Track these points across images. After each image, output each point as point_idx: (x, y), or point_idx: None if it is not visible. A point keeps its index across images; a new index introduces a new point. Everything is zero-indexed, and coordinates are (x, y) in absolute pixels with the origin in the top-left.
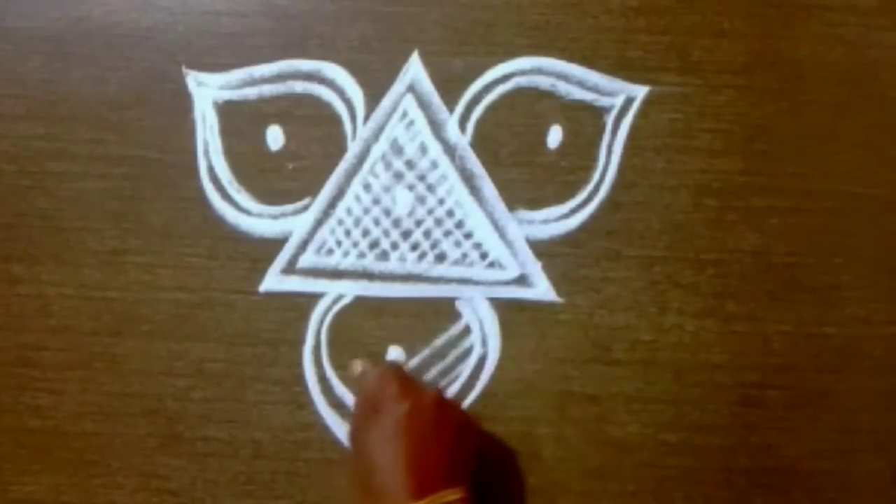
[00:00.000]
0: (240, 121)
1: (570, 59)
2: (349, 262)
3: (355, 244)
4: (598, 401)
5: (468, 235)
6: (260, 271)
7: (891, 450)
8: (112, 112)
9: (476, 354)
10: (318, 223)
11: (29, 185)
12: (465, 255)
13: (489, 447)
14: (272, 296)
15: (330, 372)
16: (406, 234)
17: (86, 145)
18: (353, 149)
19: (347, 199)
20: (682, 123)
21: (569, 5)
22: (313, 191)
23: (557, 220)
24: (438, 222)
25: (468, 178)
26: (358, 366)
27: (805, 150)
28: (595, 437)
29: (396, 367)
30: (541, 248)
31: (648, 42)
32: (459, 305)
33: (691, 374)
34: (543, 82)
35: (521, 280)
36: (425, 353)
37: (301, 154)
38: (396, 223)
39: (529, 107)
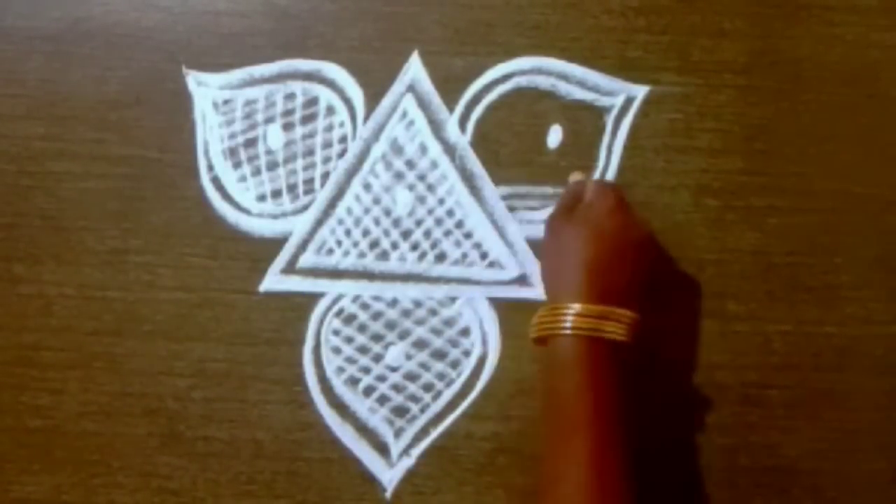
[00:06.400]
0: (240, 121)
1: (570, 59)
2: (349, 262)
3: (355, 244)
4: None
5: (468, 235)
6: (260, 271)
7: (891, 450)
8: (112, 112)
9: (476, 354)
10: (319, 223)
11: (29, 184)
12: (465, 255)
13: None
14: (272, 296)
15: (330, 372)
16: (406, 234)
17: (86, 145)
18: (353, 149)
19: (347, 199)
20: (682, 123)
21: (569, 5)
22: (313, 191)
23: None
24: (438, 222)
25: (468, 178)
26: (578, 175)
27: (805, 150)
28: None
29: (618, 189)
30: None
31: (648, 42)
32: (459, 305)
33: (691, 374)
34: (543, 82)
35: (521, 280)
36: (425, 352)
37: (301, 154)
38: (396, 223)
39: (529, 107)
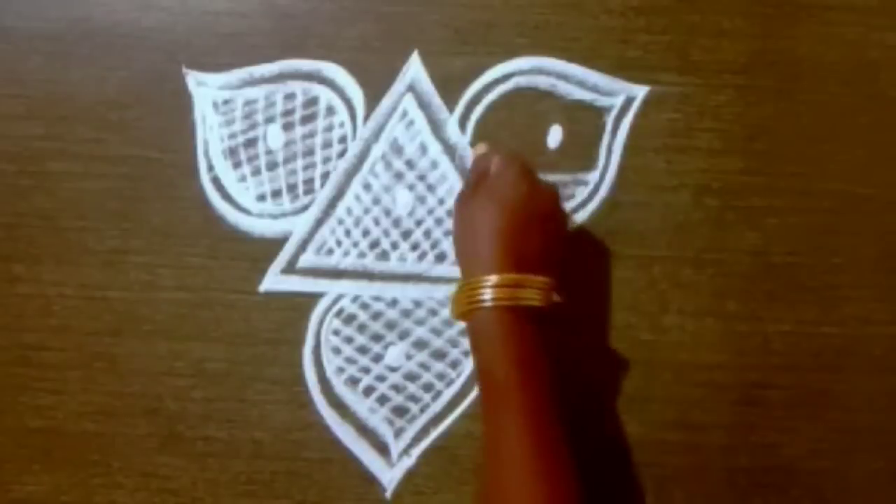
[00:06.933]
0: (240, 121)
1: (570, 59)
2: (349, 262)
3: (355, 244)
4: (598, 400)
5: None
6: (260, 271)
7: (891, 449)
8: (112, 112)
9: None
10: (319, 223)
11: (29, 184)
12: None
13: None
14: (272, 296)
15: (330, 372)
16: (406, 234)
17: (86, 145)
18: (353, 148)
19: (347, 199)
20: (682, 123)
21: (569, 5)
22: (313, 191)
23: None
24: (438, 222)
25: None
26: (483, 147)
27: (805, 150)
28: (595, 437)
29: (522, 158)
30: None
31: (648, 42)
32: None
33: (691, 374)
34: (543, 82)
35: None
36: (425, 352)
37: (301, 154)
38: (396, 223)
39: (529, 107)
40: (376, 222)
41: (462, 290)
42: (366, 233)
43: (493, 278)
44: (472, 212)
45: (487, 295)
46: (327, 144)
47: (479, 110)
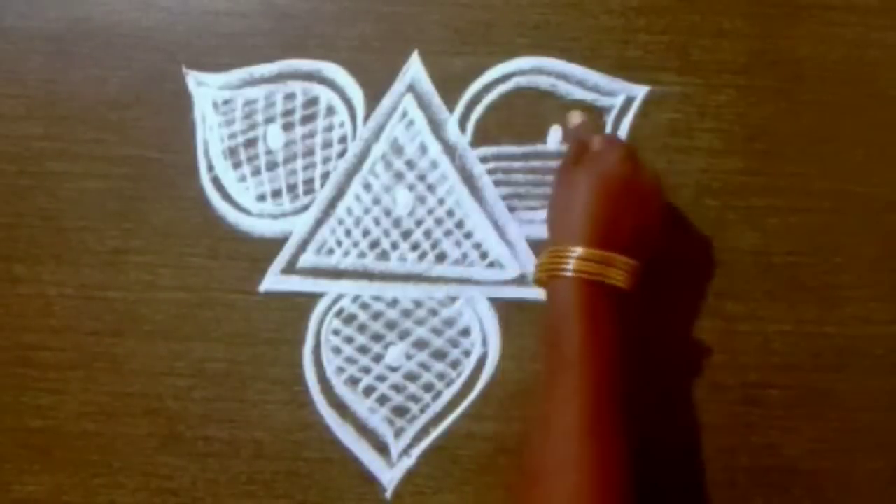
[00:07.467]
0: (240, 121)
1: (570, 59)
2: (349, 262)
3: (355, 244)
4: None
5: (468, 235)
6: (260, 271)
7: (891, 449)
8: (112, 112)
9: (476, 354)
10: (319, 223)
11: (29, 184)
12: (465, 255)
13: None
14: (272, 296)
15: (330, 372)
16: (406, 234)
17: (86, 145)
18: (353, 148)
19: (348, 199)
20: (683, 123)
21: (569, 5)
22: (313, 191)
23: None
24: (438, 222)
25: (468, 178)
26: (578, 116)
27: (805, 150)
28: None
29: (630, 144)
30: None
31: (648, 42)
32: (459, 305)
33: (692, 375)
34: (543, 82)
35: (521, 280)
36: (425, 352)
37: (301, 154)
38: (397, 223)
39: (529, 107)
40: (376, 222)
41: (546, 256)
42: (366, 233)
43: (578, 250)
44: (570, 183)
45: (570, 265)
46: (327, 144)
47: (479, 110)
